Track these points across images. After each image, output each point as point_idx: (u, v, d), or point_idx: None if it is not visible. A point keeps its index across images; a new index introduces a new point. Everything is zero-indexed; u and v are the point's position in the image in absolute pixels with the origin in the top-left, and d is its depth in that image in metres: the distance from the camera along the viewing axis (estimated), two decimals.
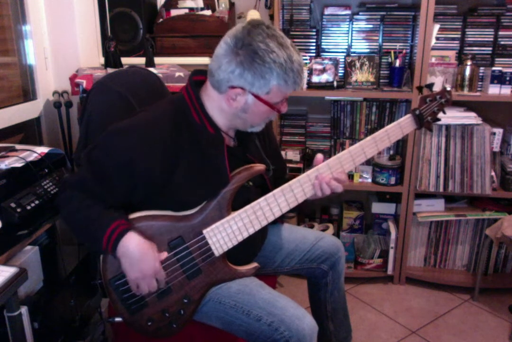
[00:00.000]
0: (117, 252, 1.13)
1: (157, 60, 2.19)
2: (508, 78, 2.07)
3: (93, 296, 1.75)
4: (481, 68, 2.17)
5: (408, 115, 1.33)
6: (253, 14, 2.25)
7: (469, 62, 2.10)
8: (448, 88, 1.35)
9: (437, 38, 2.18)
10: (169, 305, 1.24)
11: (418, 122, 1.33)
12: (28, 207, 1.35)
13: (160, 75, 1.76)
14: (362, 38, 2.27)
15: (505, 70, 2.06)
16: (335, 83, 2.22)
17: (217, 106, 1.19)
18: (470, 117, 2.11)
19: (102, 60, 2.33)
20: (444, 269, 2.41)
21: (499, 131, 2.16)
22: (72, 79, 2.00)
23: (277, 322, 1.18)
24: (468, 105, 2.19)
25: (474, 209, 2.29)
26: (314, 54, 2.32)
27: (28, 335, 1.18)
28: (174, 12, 2.43)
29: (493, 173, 2.17)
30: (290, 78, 1.12)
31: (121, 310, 1.23)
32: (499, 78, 2.07)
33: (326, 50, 2.32)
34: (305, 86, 2.24)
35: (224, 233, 1.22)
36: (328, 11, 2.25)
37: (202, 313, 1.28)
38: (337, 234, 2.52)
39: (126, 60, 2.22)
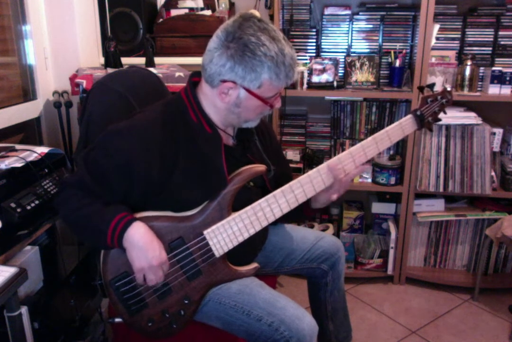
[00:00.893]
0: (123, 243, 1.13)
1: (157, 60, 2.19)
2: (508, 78, 2.07)
3: (93, 296, 1.75)
4: (481, 68, 2.16)
5: (409, 116, 1.33)
6: None
7: (469, 62, 2.10)
8: (449, 89, 1.35)
9: (437, 38, 2.18)
10: (169, 306, 1.24)
11: (419, 122, 1.33)
12: (28, 207, 1.35)
13: (160, 75, 1.76)
14: (362, 38, 2.27)
15: (505, 70, 2.06)
16: (335, 83, 2.22)
17: (212, 103, 1.19)
18: (470, 117, 2.11)
19: (102, 60, 2.33)
20: (444, 269, 2.41)
21: (499, 131, 2.16)
22: (72, 79, 2.01)
23: (277, 322, 1.18)
24: (468, 105, 2.19)
25: (474, 209, 2.29)
26: (314, 54, 2.32)
27: (28, 335, 1.18)
28: (174, 12, 2.44)
29: (493, 173, 2.17)
30: (281, 71, 1.11)
31: (121, 311, 1.23)
32: (499, 78, 2.07)
33: (326, 50, 2.32)
34: (305, 86, 2.24)
35: (225, 234, 1.22)
36: (328, 11, 2.25)
37: (202, 313, 1.28)
38: (337, 234, 2.52)
39: (126, 60, 2.22)
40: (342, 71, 2.27)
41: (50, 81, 2.23)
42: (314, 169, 1.26)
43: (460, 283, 2.32)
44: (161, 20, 2.41)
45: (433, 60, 2.18)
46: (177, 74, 1.98)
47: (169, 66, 2.14)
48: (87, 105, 1.45)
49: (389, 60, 2.24)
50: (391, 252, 2.33)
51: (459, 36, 2.19)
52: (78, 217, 1.16)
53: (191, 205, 1.22)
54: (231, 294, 1.26)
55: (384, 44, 2.26)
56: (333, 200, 1.32)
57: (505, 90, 2.08)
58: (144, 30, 2.38)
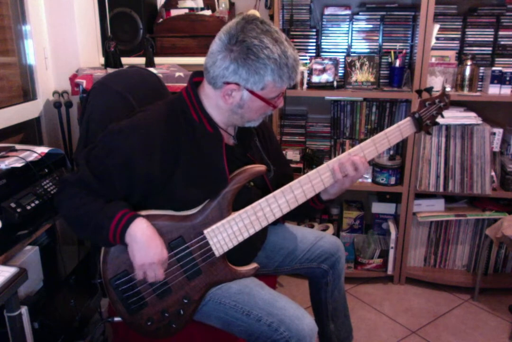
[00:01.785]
0: (125, 239, 1.13)
1: (157, 60, 2.19)
2: (508, 78, 2.07)
3: (93, 296, 1.75)
4: (481, 68, 2.16)
5: (408, 119, 1.33)
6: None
7: (469, 62, 2.10)
8: (448, 91, 1.35)
9: (437, 38, 2.18)
10: (169, 305, 1.24)
11: (418, 125, 1.33)
12: (28, 207, 1.35)
13: (160, 75, 1.76)
14: (362, 38, 2.27)
15: (505, 70, 2.06)
16: (335, 83, 2.22)
17: (214, 103, 1.19)
18: (470, 117, 2.11)
19: (102, 60, 2.33)
20: (444, 269, 2.41)
21: (499, 131, 2.16)
22: (72, 79, 2.01)
23: (277, 322, 1.18)
24: (468, 105, 2.19)
25: (474, 209, 2.29)
26: (314, 54, 2.32)
27: (28, 335, 1.18)
28: (174, 12, 2.44)
29: (493, 173, 2.17)
30: (285, 73, 1.11)
31: (121, 310, 1.23)
32: (499, 78, 2.07)
33: (326, 50, 2.32)
34: (305, 86, 2.24)
35: (225, 233, 1.22)
36: (328, 11, 2.25)
37: (202, 313, 1.28)
38: (337, 234, 2.52)
39: (126, 60, 2.22)
40: (342, 71, 2.27)
41: (50, 81, 2.23)
42: (313, 171, 1.26)
43: (460, 283, 2.32)
44: (161, 20, 2.41)
45: (433, 60, 2.18)
46: (177, 74, 1.98)
47: (169, 66, 2.14)
48: (87, 105, 1.45)
49: (389, 60, 2.24)
50: (391, 252, 2.33)
51: (459, 36, 2.19)
52: (79, 214, 1.16)
53: (191, 204, 1.22)
54: (231, 294, 1.26)
55: (384, 44, 2.26)
56: (344, 189, 1.32)
57: (505, 90, 2.08)
58: (144, 30, 2.38)
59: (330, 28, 2.27)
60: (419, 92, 1.42)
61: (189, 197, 1.21)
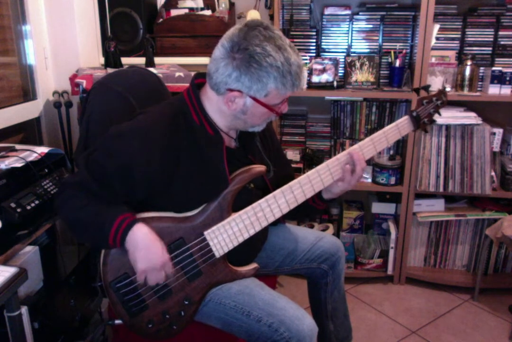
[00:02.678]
0: (126, 243, 1.13)
1: (157, 60, 2.19)
2: (508, 78, 2.07)
3: (93, 296, 1.75)
4: (481, 68, 2.16)
5: (406, 117, 1.34)
6: (253, 14, 2.25)
7: (469, 62, 2.10)
8: (447, 89, 1.35)
9: (437, 38, 2.17)
10: (169, 307, 1.23)
11: (415, 123, 1.34)
12: (28, 207, 1.35)
13: (160, 75, 1.76)
14: (362, 38, 2.27)
15: (505, 70, 2.06)
16: (335, 83, 2.22)
17: (217, 107, 1.19)
18: (470, 117, 2.11)
19: (102, 60, 2.33)
20: (444, 269, 2.41)
21: (499, 131, 2.16)
22: (72, 79, 2.00)
23: (277, 323, 1.18)
24: (468, 105, 2.19)
25: (474, 209, 2.29)
26: (314, 54, 2.32)
27: (28, 335, 1.18)
28: (174, 12, 2.43)
29: (493, 173, 2.17)
30: (288, 81, 1.11)
31: (121, 313, 1.23)
32: (499, 78, 2.07)
33: (326, 50, 2.32)
34: (305, 86, 2.23)
35: (225, 234, 1.22)
36: (328, 11, 2.25)
37: (202, 314, 1.28)
38: (337, 234, 2.52)
39: (126, 60, 2.22)
40: (342, 71, 2.27)
41: (50, 81, 2.23)
42: (313, 170, 1.26)
43: (460, 283, 2.32)
44: (161, 20, 2.41)
45: (433, 60, 2.18)
46: (177, 74, 1.98)
47: (169, 66, 2.14)
48: (87, 105, 1.45)
49: (389, 60, 2.24)
50: (391, 252, 2.33)
51: (459, 36, 2.19)
52: (79, 218, 1.16)
53: (192, 206, 1.22)
54: (231, 294, 1.26)
55: (384, 44, 2.26)
56: (348, 189, 1.32)
57: (505, 90, 2.08)
58: (144, 30, 2.37)
59: (330, 28, 2.27)
60: (416, 90, 1.43)
61: (189, 199, 1.21)
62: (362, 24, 2.24)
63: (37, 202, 1.39)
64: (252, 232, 1.24)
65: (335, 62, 2.22)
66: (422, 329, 2.05)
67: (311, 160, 2.36)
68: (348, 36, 2.28)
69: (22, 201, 1.36)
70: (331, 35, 2.29)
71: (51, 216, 1.44)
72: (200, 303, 1.26)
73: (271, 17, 2.31)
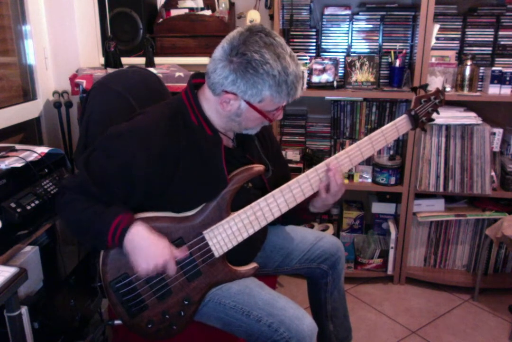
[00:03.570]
0: (124, 243, 1.13)
1: (157, 60, 2.19)
2: (508, 78, 2.07)
3: (93, 296, 1.75)
4: (481, 68, 2.16)
5: (404, 116, 1.34)
6: (253, 14, 2.24)
7: (469, 62, 2.10)
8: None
9: (437, 38, 2.17)
10: (169, 307, 1.23)
11: (414, 122, 1.34)
12: (28, 207, 1.35)
13: (160, 75, 1.76)
14: (362, 38, 2.27)
15: (505, 70, 2.06)
16: (335, 83, 2.22)
17: (214, 108, 1.19)
18: (470, 117, 2.11)
19: (102, 60, 2.33)
20: (444, 269, 2.41)
21: (499, 131, 2.16)
22: (72, 79, 2.00)
23: (277, 323, 1.18)
24: (468, 105, 2.19)
25: (474, 209, 2.29)
26: (314, 54, 2.31)
27: (28, 335, 1.18)
28: (174, 12, 2.43)
29: (493, 173, 2.17)
30: (283, 90, 1.10)
31: (121, 313, 1.23)
32: (499, 78, 2.07)
33: (326, 50, 2.32)
34: (305, 86, 2.23)
35: (224, 234, 1.22)
36: (328, 11, 2.25)
37: (202, 314, 1.28)
38: (337, 234, 2.52)
39: (126, 60, 2.22)
40: (342, 71, 2.27)
41: (50, 81, 2.23)
42: (311, 169, 1.26)
43: (460, 283, 2.32)
44: (161, 20, 2.41)
45: (433, 60, 2.18)
46: (177, 74, 1.98)
47: (169, 66, 2.14)
48: (87, 105, 1.45)
49: (389, 60, 2.24)
50: (391, 252, 2.33)
51: (459, 36, 2.19)
52: (79, 220, 1.16)
53: (191, 206, 1.22)
54: (231, 294, 1.26)
55: (384, 44, 2.26)
56: (329, 205, 1.32)
57: (505, 90, 2.08)
58: (144, 30, 2.37)
59: (330, 28, 2.27)
60: (414, 89, 1.43)
61: (188, 199, 1.21)
62: (362, 24, 2.24)
63: (37, 202, 1.39)
64: (251, 232, 1.24)
65: (335, 62, 2.22)
66: (422, 329, 2.05)
67: (311, 160, 2.36)
68: (348, 36, 2.28)
69: (22, 201, 1.36)
70: (331, 35, 2.29)
71: (51, 216, 1.44)
72: (200, 303, 1.26)
73: (271, 17, 2.31)
